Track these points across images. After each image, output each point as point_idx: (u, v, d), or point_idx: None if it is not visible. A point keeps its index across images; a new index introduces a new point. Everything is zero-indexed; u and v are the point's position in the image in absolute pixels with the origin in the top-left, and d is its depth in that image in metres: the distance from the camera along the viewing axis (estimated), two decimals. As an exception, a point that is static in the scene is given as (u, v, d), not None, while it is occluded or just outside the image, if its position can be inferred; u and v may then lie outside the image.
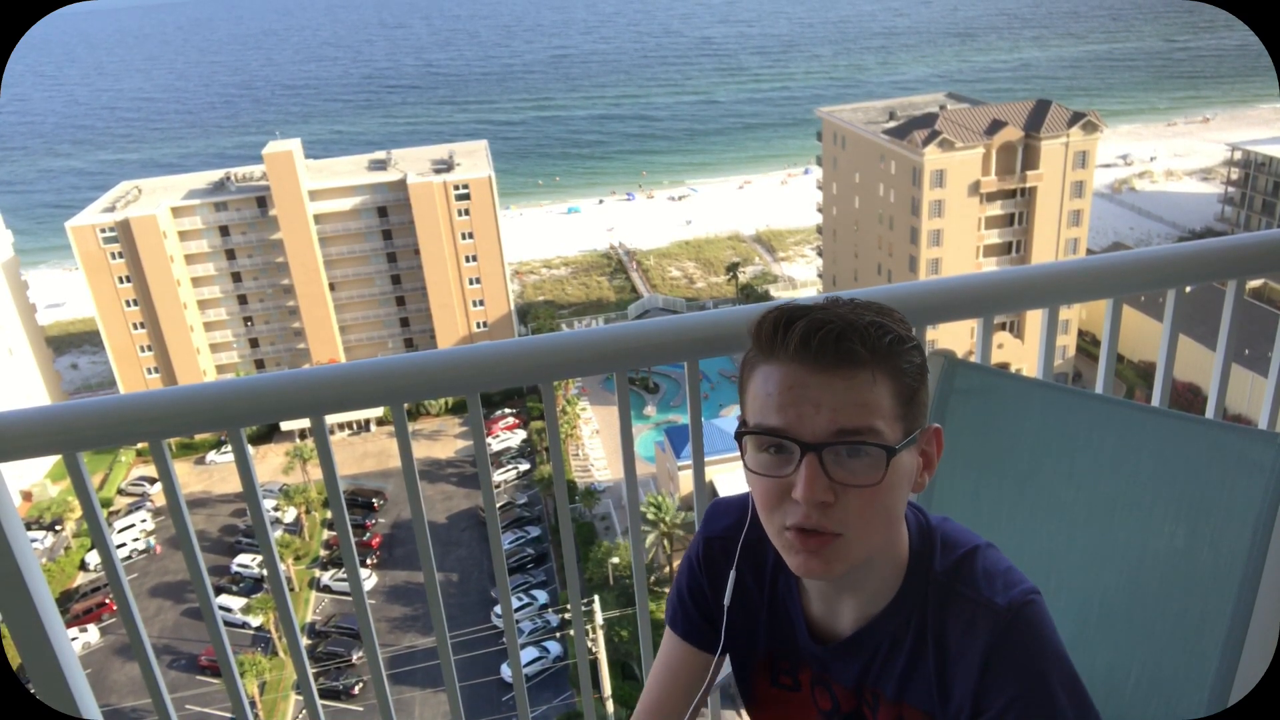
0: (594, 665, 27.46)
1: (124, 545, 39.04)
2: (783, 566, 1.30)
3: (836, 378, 1.08)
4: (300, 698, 31.38)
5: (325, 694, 30.89)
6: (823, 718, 1.34)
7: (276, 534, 37.88)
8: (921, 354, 1.15)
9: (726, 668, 1.53)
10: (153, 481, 43.63)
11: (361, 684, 31.53)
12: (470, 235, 51.97)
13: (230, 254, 52.74)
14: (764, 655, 1.37)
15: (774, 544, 1.17)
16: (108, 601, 35.21)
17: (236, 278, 53.22)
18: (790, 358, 1.10)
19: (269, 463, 44.47)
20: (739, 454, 1.19)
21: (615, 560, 33.64)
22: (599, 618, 28.25)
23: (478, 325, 53.39)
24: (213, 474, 44.91)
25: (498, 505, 2.07)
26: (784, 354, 1.10)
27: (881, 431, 1.09)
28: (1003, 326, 39.86)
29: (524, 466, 43.77)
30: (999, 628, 1.14)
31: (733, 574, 1.34)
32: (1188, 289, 2.15)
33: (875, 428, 1.08)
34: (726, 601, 1.34)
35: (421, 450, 44.50)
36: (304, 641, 2.07)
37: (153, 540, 40.47)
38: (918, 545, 1.23)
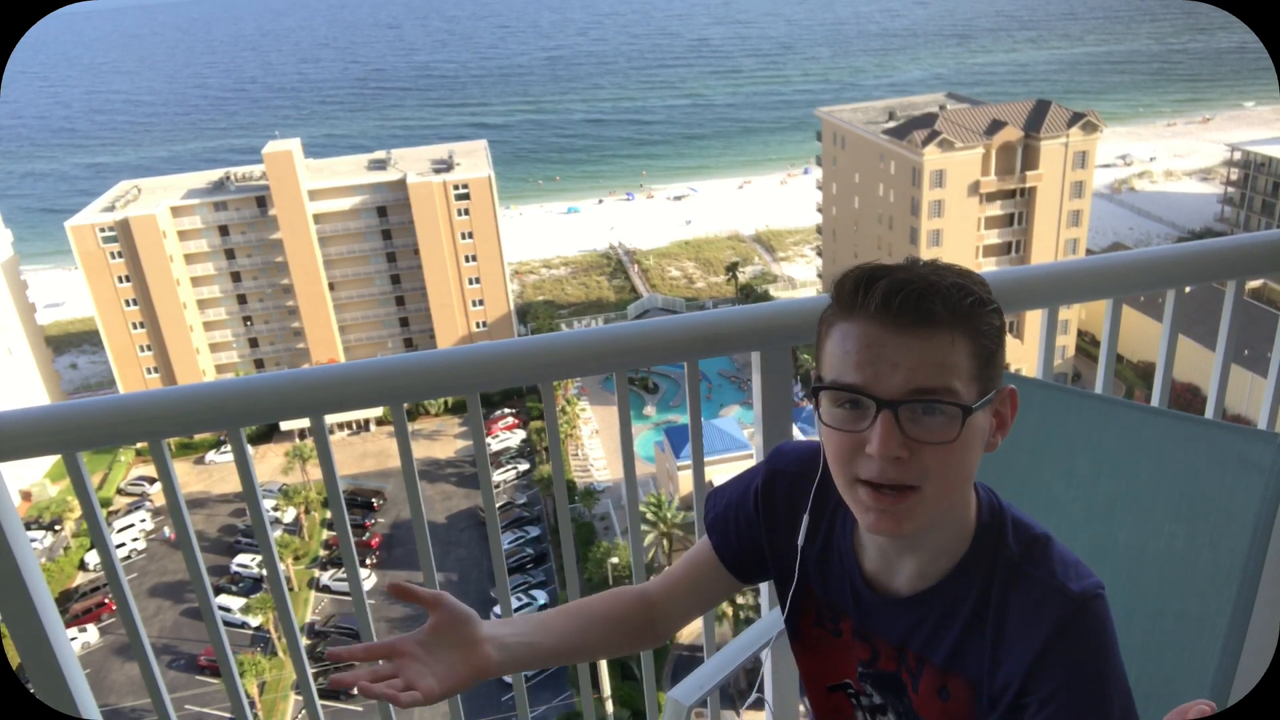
0: (593, 665, 27.45)
1: (123, 545, 39.02)
2: (841, 516, 1.31)
3: (915, 338, 1.08)
4: (300, 698, 31.36)
5: (324, 694, 30.82)
6: (860, 665, 1.34)
7: (276, 534, 37.87)
8: (1001, 316, 1.16)
9: (731, 666, 1.53)
10: (152, 481, 43.60)
11: (361, 684, 31.49)
12: (470, 235, 51.96)
13: (230, 254, 52.72)
14: (810, 595, 1.38)
15: (843, 495, 1.17)
16: (107, 601, 35.19)
17: (236, 277, 53.20)
18: (870, 317, 1.10)
19: (268, 463, 44.44)
20: (814, 415, 1.19)
21: (615, 560, 33.65)
22: (598, 618, 28.20)
23: (477, 325, 53.37)
24: (212, 474, 44.89)
25: (497, 505, 2.07)
26: (864, 313, 1.10)
27: (958, 391, 1.09)
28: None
29: (523, 466, 43.75)
30: (1067, 614, 1.14)
31: (806, 518, 1.34)
32: (1187, 289, 2.15)
33: (952, 388, 1.09)
34: (800, 542, 1.34)
35: (421, 450, 44.48)
36: (303, 641, 2.07)
37: (167, 530, 40.59)
38: (986, 519, 1.22)
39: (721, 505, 1.44)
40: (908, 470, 1.09)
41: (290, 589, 35.77)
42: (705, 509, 1.47)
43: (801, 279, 61.62)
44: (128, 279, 49.28)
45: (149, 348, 50.58)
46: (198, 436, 44.36)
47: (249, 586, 36.70)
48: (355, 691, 1.25)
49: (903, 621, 1.26)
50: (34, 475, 43.06)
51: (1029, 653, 1.14)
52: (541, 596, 35.18)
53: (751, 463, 1.55)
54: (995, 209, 46.59)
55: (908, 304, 1.08)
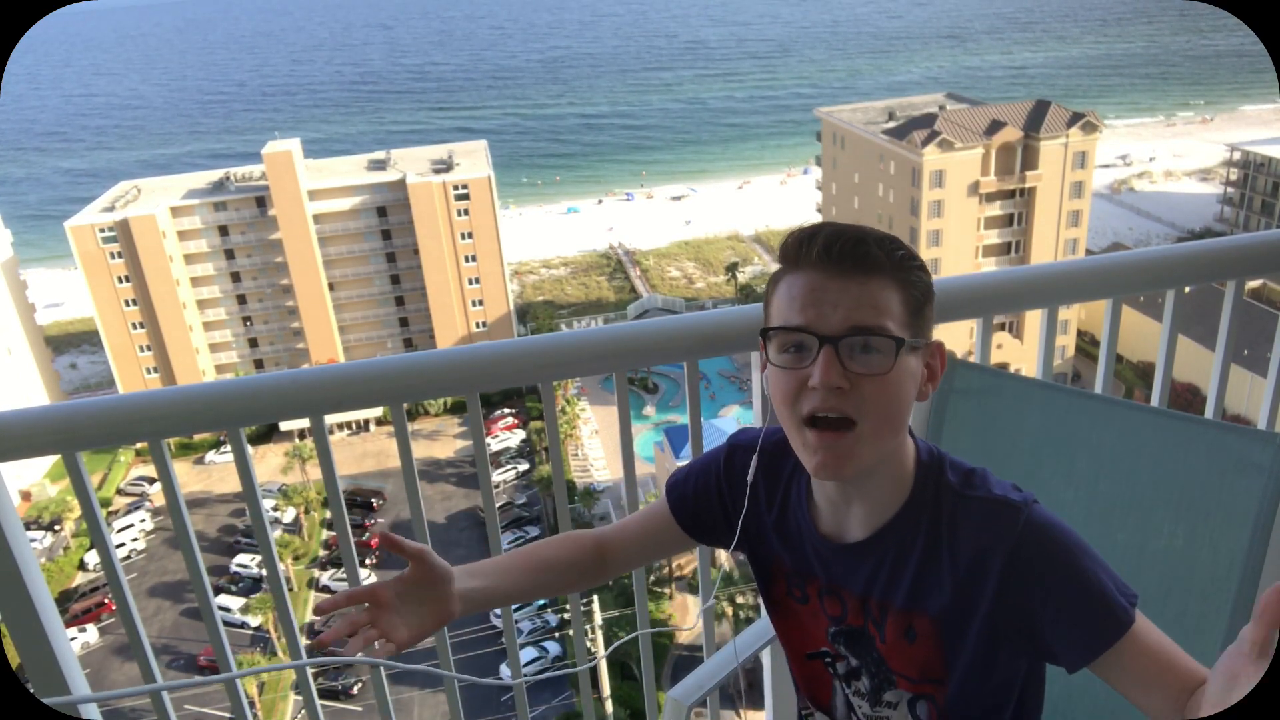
0: (593, 666, 27.44)
1: (123, 545, 39.02)
2: (796, 481, 1.39)
3: (852, 282, 1.19)
4: (299, 698, 31.37)
5: (324, 694, 30.86)
6: (831, 624, 1.39)
7: (276, 534, 37.86)
8: (929, 275, 1.26)
9: (731, 666, 1.54)
10: (152, 481, 43.59)
11: (360, 684, 31.53)
12: (470, 235, 51.96)
13: (229, 254, 52.71)
14: (776, 562, 1.45)
15: (792, 444, 1.26)
16: (107, 601, 35.17)
17: (236, 277, 53.19)
18: (813, 265, 1.21)
19: (268, 463, 44.44)
20: (757, 364, 1.33)
21: (614, 560, 33.64)
22: (598, 618, 28.25)
23: (477, 325, 53.37)
24: (212, 474, 44.88)
25: (497, 505, 2.07)
26: (807, 262, 1.21)
27: (891, 330, 1.19)
28: (1002, 327, 39.84)
29: (523, 466, 43.75)
30: (1019, 521, 1.21)
31: (754, 459, 1.43)
32: (1187, 289, 2.15)
33: (886, 326, 1.18)
34: (750, 478, 1.44)
35: (421, 450, 44.47)
36: (303, 641, 2.07)
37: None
38: (926, 459, 1.30)
39: (682, 474, 1.55)
40: (847, 401, 1.18)
41: (290, 589, 35.77)
42: (669, 479, 1.56)
43: (801, 279, 61.40)
44: (127, 279, 49.26)
45: (149, 348, 50.56)
46: (197, 436, 44.36)
47: (249, 586, 36.69)
48: (337, 650, 1.32)
49: (863, 568, 1.32)
50: (34, 475, 43.06)
51: (993, 568, 1.21)
52: (541, 596, 35.19)
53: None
54: (995, 209, 46.59)
55: (846, 250, 1.19)
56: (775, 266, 1.28)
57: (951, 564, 1.24)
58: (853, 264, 1.19)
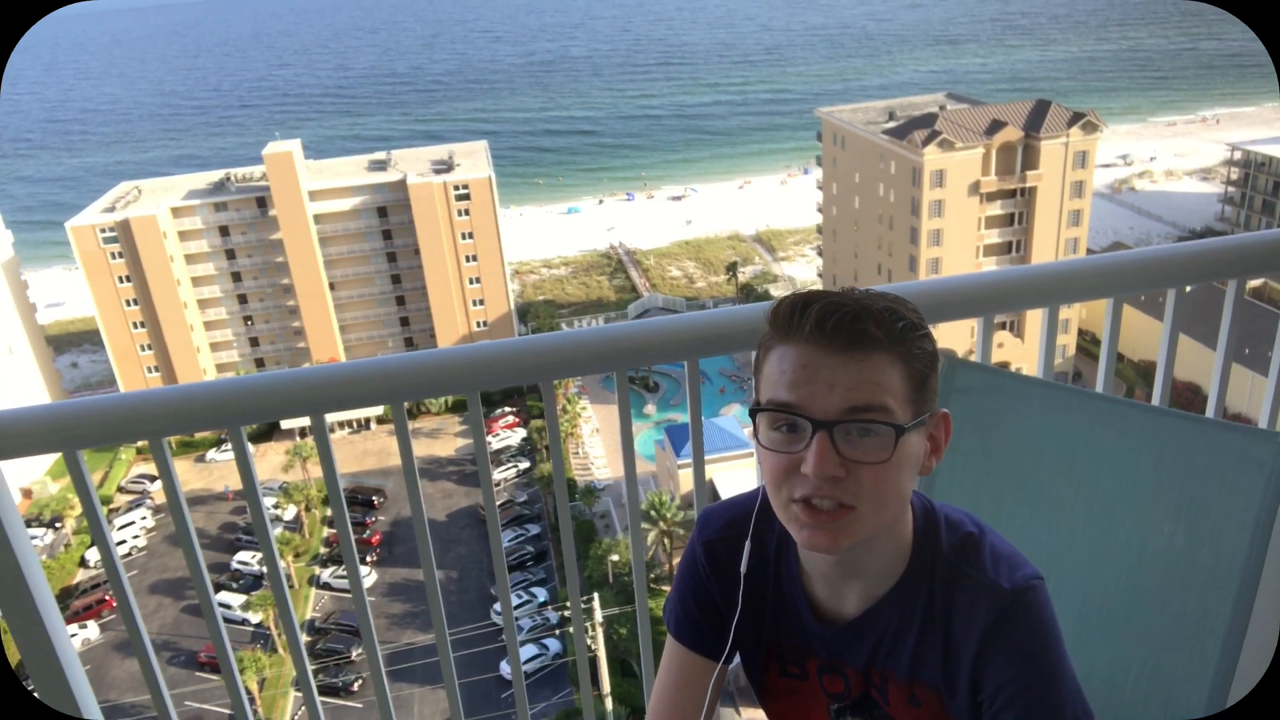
0: (593, 663, 27.49)
1: (124, 542, 39.08)
2: (785, 555, 1.32)
3: (850, 359, 1.11)
4: (300, 694, 31.38)
5: (324, 691, 30.88)
6: (832, 701, 1.35)
7: (276, 531, 37.89)
8: (933, 342, 1.18)
9: (730, 664, 1.52)
10: (153, 479, 43.64)
11: (361, 681, 31.54)
12: (470, 235, 51.96)
13: (230, 254, 52.73)
14: (771, 645, 1.38)
15: (780, 519, 1.18)
16: (107, 598, 35.21)
17: (236, 277, 53.21)
18: (806, 339, 1.12)
19: (269, 461, 44.46)
20: (750, 438, 1.23)
21: (615, 558, 33.66)
22: (598, 615, 28.27)
23: (478, 325, 53.38)
24: (213, 472, 44.91)
25: (497, 503, 2.07)
26: (799, 335, 1.13)
27: (892, 411, 1.11)
28: (1003, 326, 39.83)
29: (524, 464, 43.77)
30: (1000, 609, 1.18)
31: (748, 544, 1.34)
32: (1188, 289, 2.15)
33: (886, 406, 1.11)
34: (743, 569, 1.34)
35: (421, 448, 44.50)
36: (303, 638, 2.07)
37: (228, 486, 41.86)
38: (922, 525, 1.25)
39: (677, 609, 1.42)
40: (844, 489, 1.11)
41: (290, 586, 35.69)
42: (668, 622, 1.43)
43: (802, 279, 61.60)
44: (128, 279, 49.29)
45: (149, 347, 50.59)
46: (198, 435, 44.41)
47: (249, 583, 36.73)
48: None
49: (864, 643, 1.28)
50: (35, 473, 43.10)
51: (971, 650, 1.19)
52: (542, 594, 35.20)
53: (752, 462, 1.55)
54: (995, 209, 46.57)
55: (842, 325, 1.11)
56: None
57: (945, 640, 1.22)
58: (849, 340, 1.11)
